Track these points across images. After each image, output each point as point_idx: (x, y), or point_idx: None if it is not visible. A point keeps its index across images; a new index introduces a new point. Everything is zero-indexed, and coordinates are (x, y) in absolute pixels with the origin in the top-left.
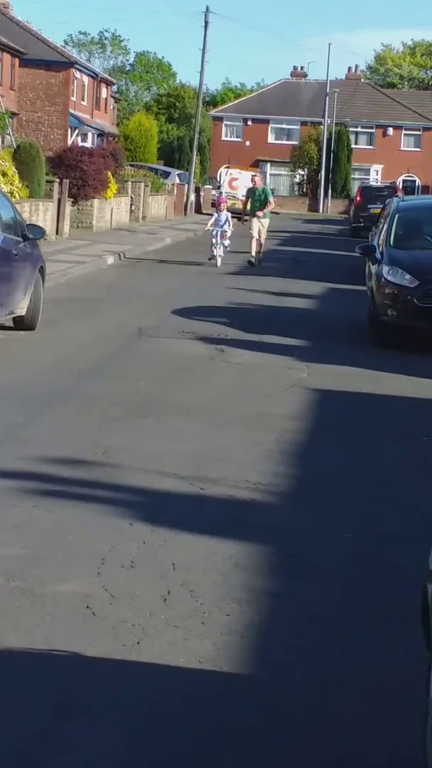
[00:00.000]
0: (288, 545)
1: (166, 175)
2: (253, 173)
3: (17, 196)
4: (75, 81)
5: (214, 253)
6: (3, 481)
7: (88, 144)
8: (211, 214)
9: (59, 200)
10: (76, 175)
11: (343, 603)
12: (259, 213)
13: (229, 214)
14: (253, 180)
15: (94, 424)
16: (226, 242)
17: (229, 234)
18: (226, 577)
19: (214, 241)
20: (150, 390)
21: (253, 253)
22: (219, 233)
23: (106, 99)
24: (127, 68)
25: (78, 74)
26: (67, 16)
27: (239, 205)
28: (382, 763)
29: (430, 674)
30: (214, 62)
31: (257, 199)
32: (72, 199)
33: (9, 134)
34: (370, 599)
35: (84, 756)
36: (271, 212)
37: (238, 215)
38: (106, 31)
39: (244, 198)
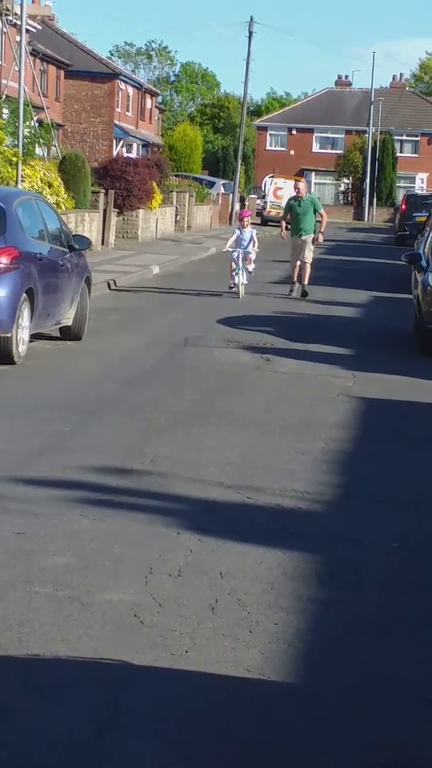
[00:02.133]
0: (334, 554)
1: (211, 185)
2: (298, 180)
3: (63, 207)
4: (120, 92)
5: (236, 281)
6: (51, 490)
7: (133, 154)
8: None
9: (105, 211)
10: (122, 185)
11: (391, 611)
12: (320, 236)
13: (254, 232)
14: (296, 188)
15: (140, 433)
16: (250, 267)
17: (253, 257)
18: (273, 586)
19: (234, 265)
20: (196, 399)
21: (294, 279)
22: (241, 256)
23: (150, 109)
24: (172, 79)
25: (123, 85)
26: (113, 27)
27: None
28: (405, 748)
29: None
30: (258, 72)
31: (304, 214)
32: (117, 210)
33: (55, 146)
34: (417, 606)
35: (131, 766)
36: (323, 221)
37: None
38: (153, 42)
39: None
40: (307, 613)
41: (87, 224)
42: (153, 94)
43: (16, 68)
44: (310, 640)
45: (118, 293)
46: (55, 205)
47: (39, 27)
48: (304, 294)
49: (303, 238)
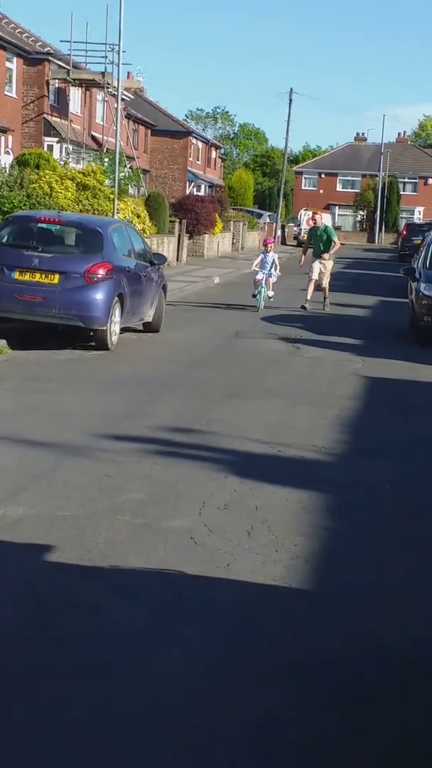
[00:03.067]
0: (342, 493)
1: (259, 215)
2: (314, 212)
3: (148, 233)
4: (192, 146)
5: (255, 293)
6: (131, 444)
7: (201, 193)
8: (295, 246)
9: (179, 235)
10: (192, 216)
11: (383, 535)
12: (325, 256)
13: (276, 257)
14: (313, 219)
15: (200, 402)
16: (270, 293)
17: (274, 280)
18: (296, 517)
19: (257, 283)
20: (242, 377)
21: (308, 297)
22: (264, 278)
23: (215, 159)
24: (232, 135)
25: (194, 140)
26: (188, 95)
27: None
28: (405, 647)
29: None
30: (296, 129)
31: (319, 240)
32: (188, 234)
33: (142, 186)
34: (403, 531)
35: (186, 650)
36: (335, 246)
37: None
38: (218, 108)
39: (305, 237)
40: (320, 538)
41: (165, 245)
42: (217, 147)
43: (114, 128)
44: (322, 558)
45: (187, 297)
46: (141, 231)
47: (132, 97)
48: (323, 307)
49: (323, 257)
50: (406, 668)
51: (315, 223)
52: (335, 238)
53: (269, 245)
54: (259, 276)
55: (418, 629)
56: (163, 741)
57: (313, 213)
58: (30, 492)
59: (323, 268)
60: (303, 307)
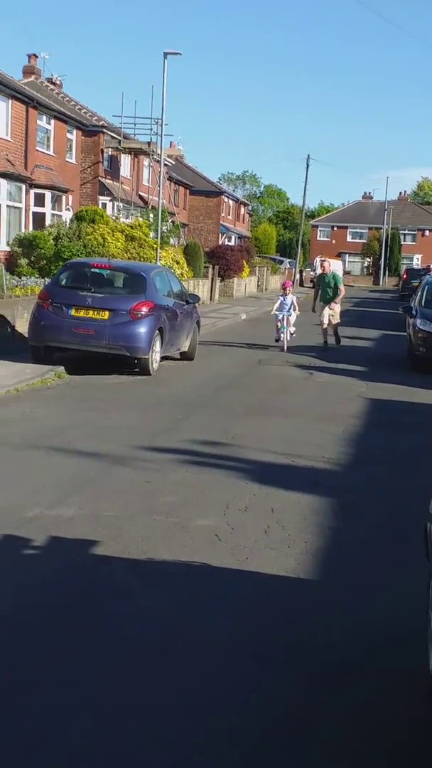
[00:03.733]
0: (344, 498)
1: (281, 262)
2: (323, 259)
3: (185, 277)
4: (223, 204)
5: (281, 337)
6: (167, 455)
7: (231, 243)
8: (310, 285)
9: (212, 278)
10: (223, 262)
11: (376, 534)
12: (333, 305)
13: (295, 298)
14: (322, 266)
15: (226, 419)
16: (292, 329)
17: (293, 320)
18: (306, 518)
19: (278, 325)
20: (263, 398)
21: (325, 340)
22: (285, 318)
23: (243, 214)
24: (258, 195)
25: (226, 199)
26: (221, 160)
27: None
28: (389, 624)
29: (430, 581)
30: (312, 188)
31: (327, 285)
32: (220, 278)
33: (182, 237)
34: (393, 531)
35: (204, 630)
36: (340, 293)
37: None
38: (246, 172)
39: (315, 284)
40: (325, 536)
41: (200, 287)
42: (245, 204)
43: (158, 188)
44: (326, 553)
45: (218, 331)
46: (180, 275)
47: (173, 162)
48: (338, 340)
49: (331, 306)
50: (391, 642)
51: (323, 270)
52: (341, 285)
53: (288, 288)
54: (280, 317)
55: (401, 610)
56: (181, 694)
57: (322, 260)
58: (80, 495)
59: (332, 314)
60: (325, 344)
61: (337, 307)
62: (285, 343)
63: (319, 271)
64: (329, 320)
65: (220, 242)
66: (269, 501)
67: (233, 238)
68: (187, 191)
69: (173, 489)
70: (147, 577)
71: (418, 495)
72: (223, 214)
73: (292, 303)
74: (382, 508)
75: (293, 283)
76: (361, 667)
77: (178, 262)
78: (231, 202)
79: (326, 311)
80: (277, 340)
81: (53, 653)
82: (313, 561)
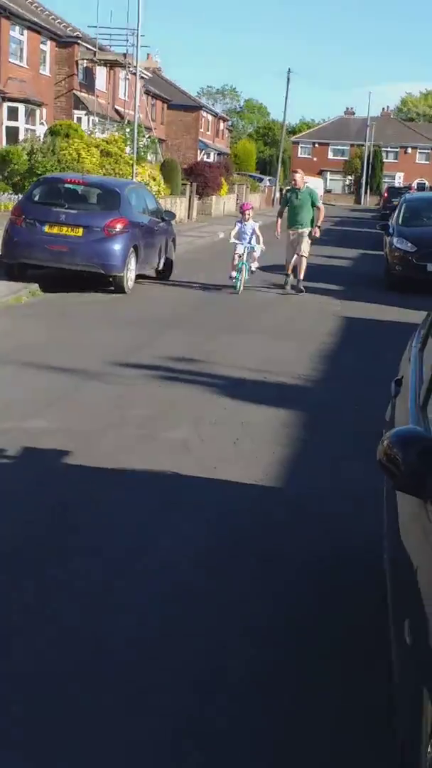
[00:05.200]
0: (316, 412)
1: (260, 180)
2: (294, 170)
3: (162, 194)
4: (202, 119)
5: (233, 275)
6: (140, 371)
7: (211, 160)
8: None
9: (190, 196)
10: (201, 180)
11: (343, 445)
12: (314, 231)
13: (256, 226)
14: (293, 179)
15: (200, 337)
16: (254, 266)
17: (258, 254)
18: (275, 431)
19: (236, 260)
20: (239, 317)
21: (288, 271)
22: (245, 251)
23: (222, 130)
24: (238, 109)
25: (204, 114)
26: (200, 74)
27: None
28: (352, 531)
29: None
30: (293, 104)
31: (299, 205)
32: (198, 196)
33: (158, 153)
34: (361, 444)
35: (181, 536)
36: (319, 213)
37: None
38: (226, 85)
39: (282, 202)
40: (293, 447)
41: (178, 205)
42: (224, 120)
43: (134, 102)
44: (293, 462)
45: (196, 250)
46: (157, 193)
47: (150, 75)
48: (299, 290)
49: (300, 231)
50: (347, 546)
51: (295, 183)
52: (320, 203)
53: (247, 211)
54: (239, 249)
55: (364, 518)
56: (154, 594)
57: (293, 171)
58: (52, 409)
59: (301, 246)
60: (285, 285)
61: (309, 241)
62: (241, 283)
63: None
64: (300, 255)
65: (198, 159)
66: (240, 415)
67: (212, 154)
68: (165, 105)
69: (145, 403)
70: (119, 485)
71: (383, 406)
72: (201, 130)
73: (254, 232)
74: (350, 422)
75: (273, 202)
76: (322, 553)
77: (154, 179)
78: (210, 117)
79: (305, 238)
80: (231, 278)
81: (35, 556)
82: (281, 471)
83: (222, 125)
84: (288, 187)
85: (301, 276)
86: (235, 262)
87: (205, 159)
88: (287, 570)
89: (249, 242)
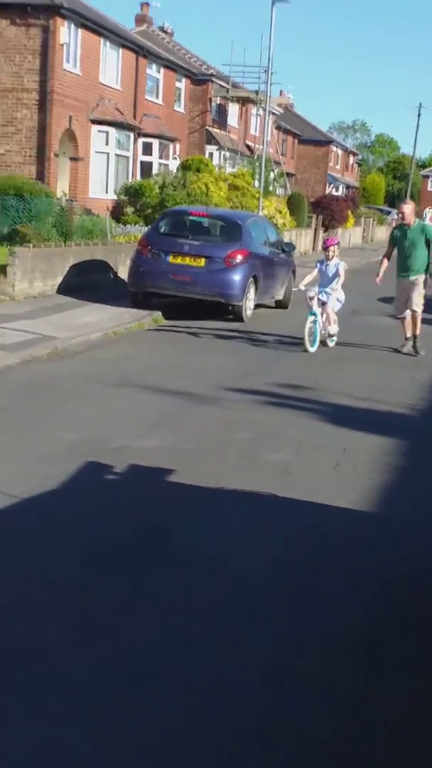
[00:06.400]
0: (420, 441)
1: (388, 213)
2: (405, 202)
3: (288, 226)
4: (332, 153)
5: (310, 333)
6: (248, 396)
7: (338, 193)
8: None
9: (315, 228)
10: (328, 212)
11: None
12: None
13: (341, 265)
14: (401, 210)
15: (313, 365)
16: (333, 329)
17: (336, 308)
18: (376, 457)
19: (312, 309)
20: (353, 345)
21: (408, 335)
22: (317, 299)
23: (352, 164)
24: (368, 144)
25: (334, 148)
26: (331, 110)
27: None
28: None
29: None
30: (424, 138)
31: (410, 244)
32: (324, 228)
33: (286, 187)
34: None
35: (263, 549)
36: None
37: None
38: (356, 120)
39: (389, 242)
40: (392, 474)
41: (303, 237)
42: (354, 154)
43: (264, 138)
44: (390, 490)
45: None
46: (282, 225)
47: (282, 111)
48: (416, 352)
49: (411, 279)
50: None
51: (403, 218)
52: None
53: (331, 248)
54: (311, 293)
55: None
56: (233, 604)
57: (402, 203)
58: (162, 430)
59: (413, 299)
60: (402, 348)
61: (422, 292)
62: (308, 345)
63: (428, 221)
64: (413, 309)
65: (326, 192)
66: (342, 440)
67: (340, 188)
68: (296, 140)
69: (250, 427)
70: (216, 502)
71: None
72: (331, 164)
73: (336, 272)
74: None
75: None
76: (413, 590)
77: (280, 212)
78: (340, 152)
79: (419, 287)
80: (307, 338)
81: (131, 560)
82: (377, 495)
83: (351, 159)
84: (395, 223)
85: (418, 332)
86: (311, 322)
87: (333, 192)
88: (375, 585)
89: (327, 289)
